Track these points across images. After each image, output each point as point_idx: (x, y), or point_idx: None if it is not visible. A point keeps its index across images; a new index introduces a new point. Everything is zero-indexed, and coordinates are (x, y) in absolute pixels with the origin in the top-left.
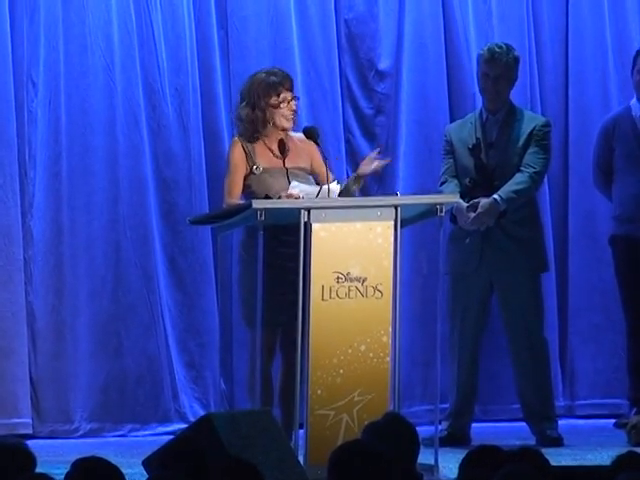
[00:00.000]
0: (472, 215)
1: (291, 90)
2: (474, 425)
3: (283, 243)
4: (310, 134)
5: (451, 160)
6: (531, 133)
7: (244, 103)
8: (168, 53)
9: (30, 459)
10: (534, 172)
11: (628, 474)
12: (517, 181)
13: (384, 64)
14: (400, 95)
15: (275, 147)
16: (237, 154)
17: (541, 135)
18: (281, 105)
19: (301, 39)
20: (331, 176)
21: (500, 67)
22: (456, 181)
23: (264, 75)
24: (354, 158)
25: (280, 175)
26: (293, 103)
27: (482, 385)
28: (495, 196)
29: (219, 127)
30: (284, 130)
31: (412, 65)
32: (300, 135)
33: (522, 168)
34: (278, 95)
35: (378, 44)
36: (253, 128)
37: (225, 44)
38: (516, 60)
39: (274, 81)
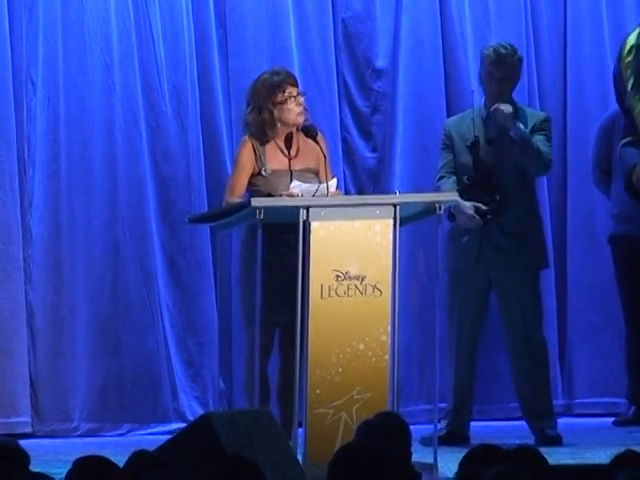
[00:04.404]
0: (471, 213)
1: (296, 87)
2: (473, 424)
3: (283, 242)
4: (308, 132)
5: (450, 155)
6: (532, 130)
7: (250, 108)
8: (166, 51)
9: (24, 457)
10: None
11: (627, 472)
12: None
13: (381, 62)
14: (397, 93)
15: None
16: (246, 154)
17: (543, 127)
18: (287, 101)
19: (299, 38)
20: (330, 174)
21: (506, 68)
22: (454, 177)
23: (267, 76)
24: (351, 157)
25: (288, 176)
26: (300, 98)
27: (481, 384)
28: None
29: (217, 125)
30: (295, 125)
31: (409, 63)
32: None
33: None
34: (283, 92)
35: (375, 43)
36: (262, 131)
37: (224, 42)
38: (520, 61)
39: (277, 79)
